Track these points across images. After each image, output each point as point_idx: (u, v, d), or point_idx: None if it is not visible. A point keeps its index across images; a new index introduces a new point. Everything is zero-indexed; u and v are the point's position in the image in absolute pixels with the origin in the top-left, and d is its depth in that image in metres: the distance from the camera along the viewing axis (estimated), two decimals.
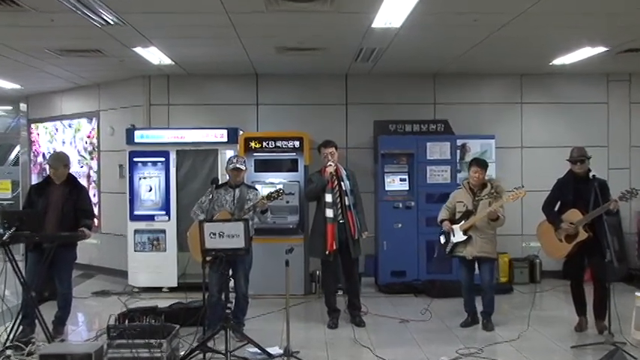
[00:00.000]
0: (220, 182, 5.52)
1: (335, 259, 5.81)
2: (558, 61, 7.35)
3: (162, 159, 7.52)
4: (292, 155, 7.48)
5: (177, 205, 7.49)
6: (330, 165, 5.76)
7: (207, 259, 4.74)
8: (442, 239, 5.84)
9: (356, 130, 8.24)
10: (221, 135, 7.43)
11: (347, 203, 5.76)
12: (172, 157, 7.53)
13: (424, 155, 7.57)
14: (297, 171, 7.46)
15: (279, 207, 7.06)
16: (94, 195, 9.03)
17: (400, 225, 7.55)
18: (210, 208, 5.23)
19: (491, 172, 7.22)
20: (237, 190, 5.42)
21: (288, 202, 7.19)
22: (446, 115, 8.08)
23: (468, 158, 6.90)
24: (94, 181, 9.21)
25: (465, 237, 5.66)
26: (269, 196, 5.27)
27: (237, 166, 5.38)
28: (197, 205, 5.48)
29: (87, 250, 8.31)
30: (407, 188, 7.65)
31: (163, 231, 7.49)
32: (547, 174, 6.12)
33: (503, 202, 5.46)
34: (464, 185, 5.86)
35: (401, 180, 7.73)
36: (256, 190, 5.59)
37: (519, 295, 7.39)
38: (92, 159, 9.24)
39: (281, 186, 6.65)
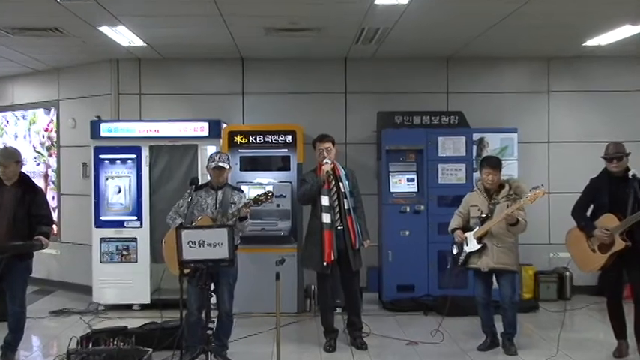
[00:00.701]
0: (201, 183, 5.59)
1: (333, 271, 5.87)
2: (592, 41, 7.38)
3: (133, 156, 7.58)
4: (283, 152, 7.54)
5: (151, 209, 7.55)
6: (327, 163, 5.80)
7: (186, 271, 4.80)
8: (454, 250, 5.87)
9: (357, 123, 8.33)
10: (201, 128, 7.49)
11: (346, 207, 5.81)
12: (145, 153, 7.57)
13: (435, 152, 7.65)
14: (288, 170, 7.53)
15: (268, 211, 7.18)
16: (53, 198, 9.08)
17: (408, 232, 7.62)
18: (188, 212, 5.28)
19: (512, 171, 7.42)
20: (219, 193, 5.46)
21: (278, 205, 7.26)
22: (460, 106, 8.16)
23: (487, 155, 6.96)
24: (52, 182, 9.27)
25: (480, 246, 5.67)
26: (256, 199, 5.31)
27: (220, 164, 5.41)
28: (174, 209, 5.52)
29: (44, 261, 8.41)
30: (415, 190, 7.73)
31: (134, 239, 7.58)
32: (578, 173, 6.21)
33: (521, 205, 5.46)
34: (478, 187, 5.89)
35: (408, 180, 7.80)
36: (242, 192, 5.62)
37: (546, 313, 7.43)
38: (50, 156, 9.28)
39: (270, 187, 6.79)
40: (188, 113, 8.09)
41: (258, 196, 5.34)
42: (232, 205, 5.41)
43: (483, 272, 5.76)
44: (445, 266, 6.76)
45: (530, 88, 8.42)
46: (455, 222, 5.92)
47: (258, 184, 7.32)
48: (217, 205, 5.41)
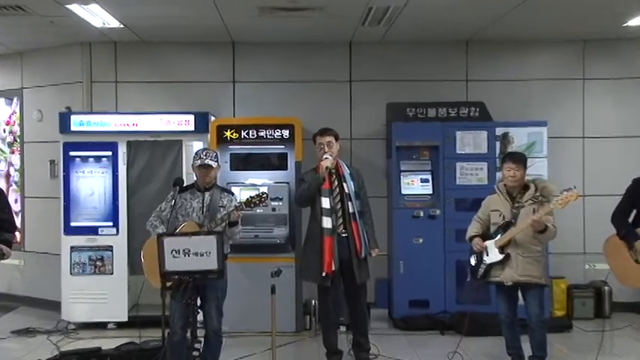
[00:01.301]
0: (186, 184, 5.63)
1: (335, 284, 5.89)
2: (635, 21, 7.36)
3: (108, 153, 7.63)
4: (280, 148, 7.59)
5: (129, 213, 7.58)
6: (327, 158, 5.89)
7: (168, 284, 4.80)
8: (472, 261, 5.85)
9: (363, 116, 8.36)
10: (186, 122, 7.55)
11: (350, 210, 5.83)
12: (122, 150, 7.60)
13: (453, 148, 7.68)
14: (286, 169, 7.58)
15: (263, 216, 7.23)
16: (16, 201, 9.11)
17: (421, 240, 7.66)
18: (172, 217, 5.30)
19: (541, 170, 7.43)
20: (207, 195, 5.49)
21: (274, 209, 7.35)
22: (482, 96, 8.17)
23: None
24: (14, 183, 9.28)
25: (502, 256, 5.62)
26: (249, 202, 5.35)
27: (207, 162, 5.42)
28: (155, 213, 5.54)
29: (6, 273, 8.56)
30: (430, 192, 7.77)
31: (110, 248, 7.62)
32: (617, 173, 6.32)
33: (551, 209, 5.39)
34: (499, 189, 5.82)
35: (422, 181, 7.86)
36: (232, 194, 5.65)
37: (581, 334, 7.43)
38: (12, 153, 9.30)
39: (265, 189, 6.83)
40: (171, 104, 8.11)
41: (251, 197, 5.38)
42: (221, 209, 5.42)
43: (507, 286, 5.72)
44: (464, 279, 6.68)
45: (562, 75, 8.45)
46: (473, 229, 5.88)
47: (251, 185, 7.37)
48: (204, 209, 5.44)
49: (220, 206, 5.45)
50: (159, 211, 5.51)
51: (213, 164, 5.44)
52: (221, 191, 5.59)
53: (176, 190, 5.38)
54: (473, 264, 5.85)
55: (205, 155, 5.48)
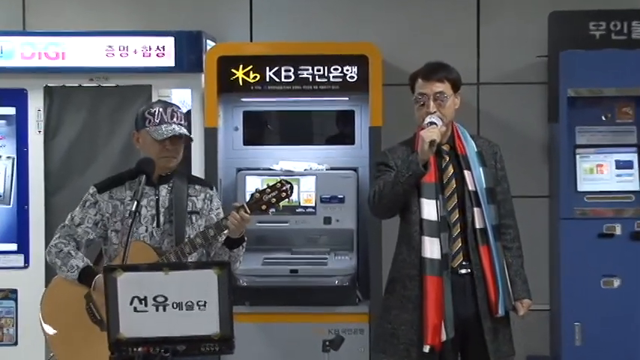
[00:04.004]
0: (136, 169, 5.07)
1: None
2: None
3: (9, 110, 7.14)
4: (340, 103, 7.29)
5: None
6: (434, 124, 5.10)
7: None
8: None
9: (500, 41, 7.76)
10: (160, 49, 7.06)
11: (478, 225, 5.17)
12: (35, 104, 7.17)
13: None
14: (351, 142, 7.21)
15: (306, 233, 7.00)
16: None
17: (617, 282, 6.87)
18: (96, 237, 5.03)
19: None
20: (163, 191, 5.09)
21: (329, 220, 6.89)
22: None
23: None
24: None
25: None
26: (258, 200, 4.88)
27: (176, 128, 5.00)
28: (62, 231, 5.14)
29: None
30: (636, 187, 7.09)
31: (12, 294, 7.04)
32: None
33: None
34: None
35: (620, 166, 7.13)
36: (210, 187, 5.33)
37: None
38: None
39: (310, 182, 6.77)
40: (132, 19, 7.72)
41: (261, 192, 4.95)
42: (193, 217, 5.12)
43: None
44: None
45: None
46: None
47: (283, 173, 6.83)
48: (161, 218, 5.03)
49: (192, 212, 5.10)
50: (69, 225, 5.09)
51: (187, 134, 5.17)
52: (189, 184, 5.21)
53: (139, 182, 4.87)
54: None
55: (171, 115, 5.03)
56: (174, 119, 5.02)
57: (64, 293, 4.91)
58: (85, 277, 4.75)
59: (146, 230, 5.00)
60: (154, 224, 5.00)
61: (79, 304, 4.79)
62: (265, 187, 5.07)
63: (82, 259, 4.87)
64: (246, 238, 5.13)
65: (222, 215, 5.15)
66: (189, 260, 4.88)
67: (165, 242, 4.99)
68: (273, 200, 4.94)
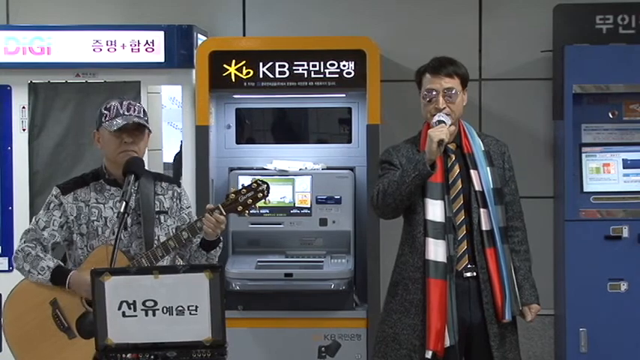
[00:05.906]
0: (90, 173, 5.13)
1: None
2: None
3: None
4: (337, 100, 7.27)
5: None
6: (442, 122, 5.08)
7: None
8: None
9: (504, 35, 7.74)
10: (149, 44, 7.05)
11: (485, 227, 5.18)
12: (19, 102, 7.19)
13: None
14: (348, 141, 7.21)
15: (301, 235, 6.95)
16: None
17: (625, 285, 6.87)
18: (61, 241, 4.94)
19: None
20: (129, 190, 4.84)
21: (324, 222, 6.89)
22: None
23: None
24: None
25: None
26: (233, 201, 4.82)
27: (135, 119, 4.89)
28: (27, 236, 5.03)
29: None
30: None
31: None
32: None
33: None
34: None
35: (627, 165, 7.17)
36: (177, 185, 5.26)
37: None
38: None
39: (305, 181, 6.77)
40: (119, 13, 7.69)
41: (235, 193, 4.86)
42: (163, 217, 5.06)
43: None
44: None
45: None
46: None
47: (277, 172, 6.93)
48: (130, 220, 4.88)
49: (160, 212, 5.05)
50: (34, 229, 5.04)
51: (145, 124, 5.00)
52: (155, 181, 5.14)
53: (128, 181, 4.78)
54: None
55: (127, 108, 4.94)
56: (131, 112, 4.91)
57: (27, 301, 4.86)
58: (58, 276, 4.69)
59: (113, 233, 4.92)
60: (122, 227, 4.84)
61: (45, 311, 4.75)
62: (240, 187, 5.05)
63: (51, 259, 4.83)
64: (222, 239, 5.10)
65: (193, 214, 5.14)
66: (161, 264, 4.84)
67: (134, 245, 4.94)
68: (249, 201, 4.89)
